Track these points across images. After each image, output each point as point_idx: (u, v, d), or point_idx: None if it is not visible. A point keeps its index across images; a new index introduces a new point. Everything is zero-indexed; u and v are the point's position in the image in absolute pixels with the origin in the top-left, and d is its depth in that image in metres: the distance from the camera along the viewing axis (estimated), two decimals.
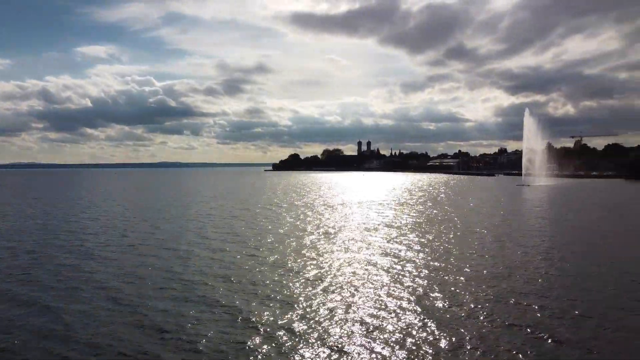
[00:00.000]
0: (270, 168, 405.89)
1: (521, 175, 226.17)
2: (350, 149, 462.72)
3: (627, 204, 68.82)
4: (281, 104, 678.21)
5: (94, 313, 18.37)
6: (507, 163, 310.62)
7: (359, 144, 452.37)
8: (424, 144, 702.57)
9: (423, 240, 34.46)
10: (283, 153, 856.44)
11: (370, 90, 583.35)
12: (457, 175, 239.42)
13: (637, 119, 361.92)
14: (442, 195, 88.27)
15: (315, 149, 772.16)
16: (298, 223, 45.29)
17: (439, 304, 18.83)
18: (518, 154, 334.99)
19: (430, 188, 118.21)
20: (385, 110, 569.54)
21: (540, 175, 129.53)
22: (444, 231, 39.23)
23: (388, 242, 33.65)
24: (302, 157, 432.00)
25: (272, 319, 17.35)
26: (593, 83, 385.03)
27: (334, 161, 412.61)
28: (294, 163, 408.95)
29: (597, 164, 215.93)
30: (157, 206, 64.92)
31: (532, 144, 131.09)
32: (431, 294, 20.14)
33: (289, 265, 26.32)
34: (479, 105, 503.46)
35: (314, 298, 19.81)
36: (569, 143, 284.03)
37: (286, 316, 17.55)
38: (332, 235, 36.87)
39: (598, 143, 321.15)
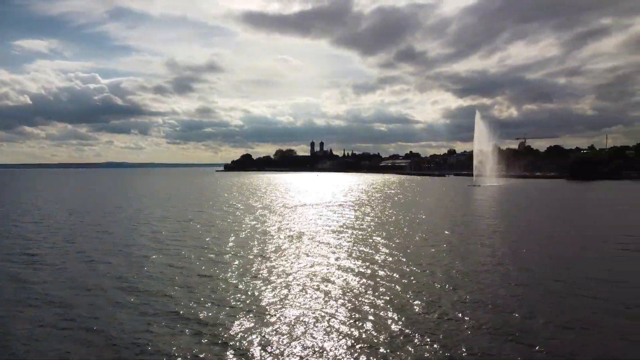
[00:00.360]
0: (222, 168, 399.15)
1: (471, 175, 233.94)
2: (302, 150, 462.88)
3: (570, 203, 72.99)
4: (233, 104, 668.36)
5: (39, 329, 16.45)
6: (457, 164, 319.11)
7: (312, 144, 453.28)
8: (376, 144, 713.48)
9: (385, 241, 34.28)
10: (235, 153, 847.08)
11: (323, 91, 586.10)
12: (410, 176, 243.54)
13: (574, 123, 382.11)
14: (400, 196, 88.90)
15: (267, 149, 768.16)
16: (258, 226, 43.83)
17: (403, 303, 19.08)
18: (466, 155, 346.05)
19: (387, 189, 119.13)
20: (338, 111, 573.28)
21: (490, 176, 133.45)
22: (405, 232, 39.13)
23: (350, 244, 33.29)
24: (254, 157, 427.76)
25: (237, 328, 16.16)
26: (535, 87, 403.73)
27: (287, 161, 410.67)
28: (246, 163, 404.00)
29: (541, 164, 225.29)
30: (106, 208, 61.50)
31: (483, 146, 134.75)
32: (394, 294, 20.31)
33: (253, 270, 24.98)
34: (428, 107, 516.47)
35: (280, 305, 19.07)
36: (514, 145, 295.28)
37: (252, 324, 16.77)
38: (295, 238, 35.70)
39: (540, 145, 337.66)
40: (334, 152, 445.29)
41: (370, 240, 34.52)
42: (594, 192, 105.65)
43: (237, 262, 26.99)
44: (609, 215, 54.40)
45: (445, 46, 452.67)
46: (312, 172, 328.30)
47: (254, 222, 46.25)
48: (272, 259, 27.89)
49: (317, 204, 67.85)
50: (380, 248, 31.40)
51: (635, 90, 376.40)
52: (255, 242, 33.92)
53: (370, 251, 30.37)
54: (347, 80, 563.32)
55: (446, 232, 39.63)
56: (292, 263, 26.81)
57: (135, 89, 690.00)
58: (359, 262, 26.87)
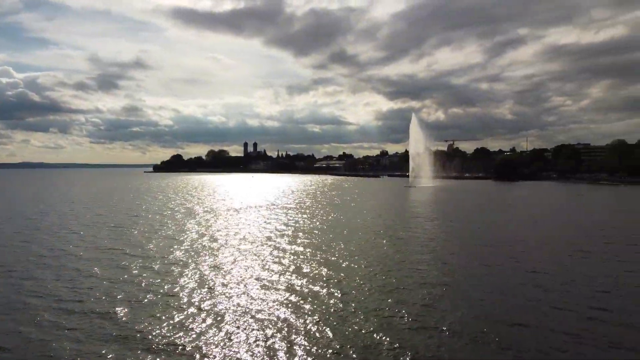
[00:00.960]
0: (151, 169, 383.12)
1: (405, 176, 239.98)
2: (235, 150, 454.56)
3: (498, 202, 76.67)
4: (161, 102, 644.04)
5: None
6: (390, 165, 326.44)
7: (245, 145, 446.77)
8: (309, 145, 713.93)
9: (331, 243, 34.07)
10: (164, 154, 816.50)
11: (256, 91, 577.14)
12: (345, 177, 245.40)
13: (495, 126, 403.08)
14: (341, 198, 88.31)
15: (198, 150, 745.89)
16: (204, 231, 41.04)
17: (338, 304, 19.56)
18: (399, 156, 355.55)
19: (326, 189, 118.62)
20: (271, 111, 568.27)
21: (426, 177, 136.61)
22: (346, 234, 38.98)
23: (297, 248, 32.43)
24: (185, 158, 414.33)
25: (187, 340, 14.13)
26: (460, 92, 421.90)
27: (219, 162, 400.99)
28: (176, 164, 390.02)
29: (469, 166, 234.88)
30: (26, 213, 55.66)
31: (418, 148, 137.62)
32: (329, 295, 20.81)
33: (202, 281, 22.70)
34: (360, 109, 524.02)
35: (229, 314, 18.06)
36: (443, 147, 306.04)
37: (204, 336, 15.57)
38: (247, 244, 33.54)
39: (466, 147, 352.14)
40: (268, 153, 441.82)
41: (319, 244, 34.00)
42: (517, 191, 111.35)
43: (185, 273, 24.50)
44: (534, 211, 57.60)
45: (376, 50, 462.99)
46: (246, 173, 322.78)
47: (199, 227, 43.36)
48: (221, 268, 25.83)
49: (260, 206, 65.52)
50: (329, 252, 30.67)
51: (549, 97, 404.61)
52: (204, 250, 31.41)
53: (319, 255, 29.72)
54: (280, 81, 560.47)
55: (387, 232, 39.18)
56: (242, 271, 25.17)
57: (53, 85, 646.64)
58: (307, 269, 25.98)
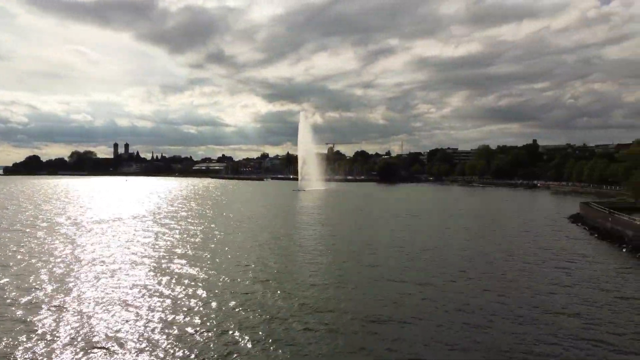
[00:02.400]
0: (1, 172, 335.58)
1: (288, 179, 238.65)
2: (103, 152, 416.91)
3: (389, 204, 75.73)
4: (14, 97, 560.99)
5: None
6: (272, 167, 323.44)
7: (115, 146, 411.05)
8: (186, 147, 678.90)
9: (225, 256, 31.88)
10: (17, 155, 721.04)
11: (126, 88, 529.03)
12: (228, 180, 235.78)
13: (369, 130, 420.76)
14: (232, 204, 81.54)
15: (60, 151, 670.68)
16: (68, 250, 32.41)
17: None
18: (280, 159, 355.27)
19: (214, 194, 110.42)
20: (143, 111, 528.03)
21: (314, 180, 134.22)
22: (243, 241, 37.20)
23: (181, 265, 29.42)
24: (43, 159, 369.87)
25: None
26: (336, 97, 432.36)
27: (86, 165, 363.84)
28: (33, 166, 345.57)
29: (350, 168, 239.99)
30: None
31: (307, 149, 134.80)
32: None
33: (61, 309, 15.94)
34: (238, 111, 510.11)
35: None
36: (323, 150, 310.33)
37: None
38: (115, 264, 26.44)
39: (344, 150, 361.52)
40: (141, 155, 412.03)
41: (205, 255, 32.34)
42: (400, 192, 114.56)
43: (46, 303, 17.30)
44: (435, 218, 56.70)
45: (254, 51, 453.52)
46: (117, 177, 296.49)
47: (63, 245, 34.43)
48: (95, 292, 20.92)
49: (140, 217, 56.64)
50: (216, 263, 28.14)
51: (416, 104, 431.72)
52: (75, 274, 23.98)
53: (202, 268, 27.75)
54: (153, 79, 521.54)
55: (284, 243, 34.85)
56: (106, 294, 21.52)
57: None
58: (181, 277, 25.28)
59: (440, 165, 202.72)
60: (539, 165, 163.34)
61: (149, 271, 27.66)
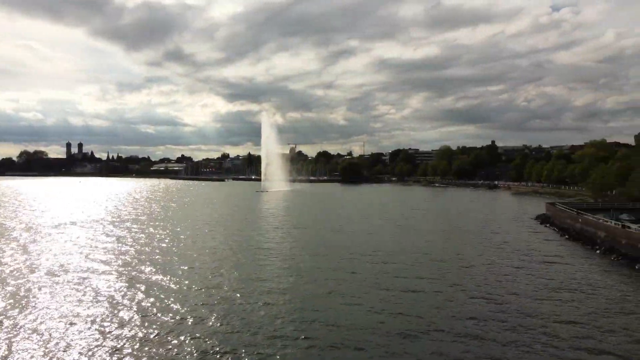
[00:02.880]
0: None
1: (250, 179, 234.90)
2: (56, 151, 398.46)
3: (352, 204, 73.64)
4: None
5: None
6: (233, 168, 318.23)
7: (68, 145, 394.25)
8: (143, 147, 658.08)
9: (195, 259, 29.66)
10: None
11: (79, 86, 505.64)
12: (188, 181, 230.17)
13: (330, 131, 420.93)
14: (194, 206, 78.65)
15: (8, 150, 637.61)
16: (22, 258, 29.56)
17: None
18: (241, 159, 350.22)
19: (174, 196, 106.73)
20: (98, 109, 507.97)
21: (278, 181, 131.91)
22: (206, 247, 35.50)
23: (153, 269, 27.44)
24: None
25: None
26: (297, 97, 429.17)
27: (36, 165, 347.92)
28: None
29: (313, 169, 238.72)
30: None
31: (271, 149, 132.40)
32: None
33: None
34: (198, 110, 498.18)
35: None
36: (285, 150, 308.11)
37: None
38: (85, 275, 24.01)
39: (306, 150, 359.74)
40: (96, 155, 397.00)
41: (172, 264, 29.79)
42: (364, 193, 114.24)
43: None
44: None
45: (214, 50, 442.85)
46: (70, 178, 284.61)
47: (15, 253, 31.44)
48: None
49: (98, 221, 53.37)
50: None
51: (376, 105, 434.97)
52: (29, 286, 21.55)
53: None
54: (109, 77, 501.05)
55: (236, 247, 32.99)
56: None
57: None
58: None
59: (403, 166, 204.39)
60: (499, 166, 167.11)
61: (111, 280, 25.85)
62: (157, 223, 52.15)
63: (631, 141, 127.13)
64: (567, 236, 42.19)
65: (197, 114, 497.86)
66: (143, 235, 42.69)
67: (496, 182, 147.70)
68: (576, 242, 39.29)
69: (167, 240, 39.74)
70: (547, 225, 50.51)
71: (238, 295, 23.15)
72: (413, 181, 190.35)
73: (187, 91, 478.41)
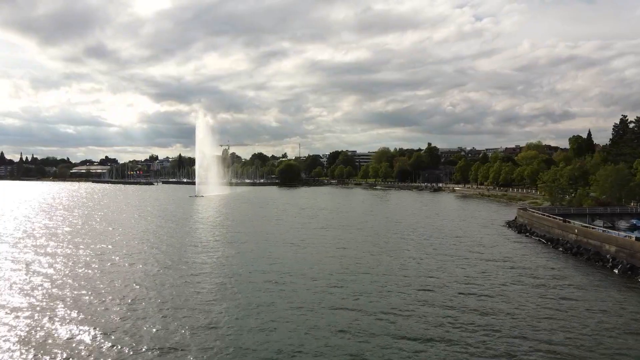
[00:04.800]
0: None
1: (181, 183, 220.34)
2: None
3: (295, 209, 66.10)
4: None
5: None
6: (162, 170, 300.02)
7: None
8: (62, 148, 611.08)
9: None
10: None
11: None
12: (113, 185, 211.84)
13: (261, 132, 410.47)
14: (119, 214, 67.44)
15: None
16: None
17: None
18: (171, 162, 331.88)
19: (97, 204, 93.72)
20: (10, 107, 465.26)
21: (213, 184, 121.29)
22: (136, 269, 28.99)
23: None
24: None
25: None
26: (228, 98, 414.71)
27: None
28: None
29: (248, 171, 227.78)
30: None
31: (206, 150, 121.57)
32: None
33: None
34: (123, 110, 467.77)
35: None
36: (217, 151, 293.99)
37: None
38: None
39: (239, 152, 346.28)
40: (7, 156, 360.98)
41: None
42: (305, 197, 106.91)
43: None
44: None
45: (139, 47, 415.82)
46: None
47: None
48: None
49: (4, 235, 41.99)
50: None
51: (308, 107, 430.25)
52: None
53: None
54: (21, 72, 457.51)
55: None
56: None
57: None
58: None
59: (343, 168, 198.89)
60: (440, 168, 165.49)
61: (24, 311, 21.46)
62: (72, 239, 41.61)
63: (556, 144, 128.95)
64: (561, 249, 36.75)
65: (122, 114, 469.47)
66: (61, 254, 32.53)
67: (440, 185, 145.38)
68: (577, 257, 33.75)
69: (89, 262, 29.98)
70: (527, 234, 45.22)
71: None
72: (354, 184, 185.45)
73: (111, 90, 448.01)
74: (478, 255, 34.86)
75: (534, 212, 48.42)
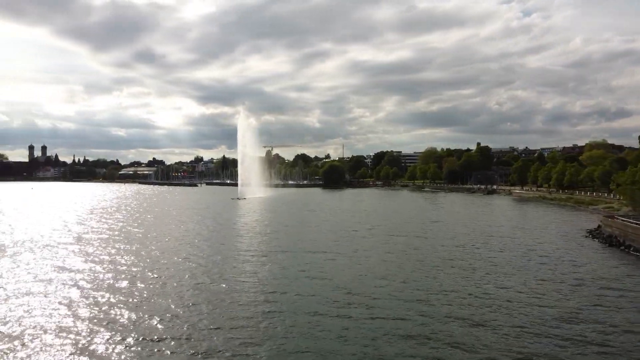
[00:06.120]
0: None
1: (225, 184, 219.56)
2: (21, 155, 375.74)
3: (346, 213, 60.41)
4: None
5: None
6: (207, 172, 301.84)
7: (31, 148, 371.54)
8: (113, 150, 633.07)
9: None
10: None
11: (45, 87, 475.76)
12: (158, 186, 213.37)
13: (304, 133, 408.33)
14: (159, 219, 64.27)
15: None
16: None
17: None
18: (215, 163, 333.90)
19: (137, 206, 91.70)
20: (66, 112, 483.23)
21: (255, 185, 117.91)
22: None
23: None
24: None
25: None
26: (271, 99, 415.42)
27: None
28: None
29: (291, 172, 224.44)
30: None
31: (248, 151, 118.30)
32: None
33: None
34: (170, 113, 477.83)
35: None
36: (261, 152, 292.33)
37: None
38: None
39: (282, 153, 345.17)
40: (62, 158, 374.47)
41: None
42: (353, 200, 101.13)
43: None
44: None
45: (186, 52, 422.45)
46: (31, 182, 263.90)
47: None
48: None
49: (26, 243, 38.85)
50: None
51: (351, 108, 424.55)
52: None
53: None
54: (76, 78, 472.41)
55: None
56: None
57: None
58: None
59: (389, 169, 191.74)
60: (493, 169, 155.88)
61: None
62: (105, 249, 37.88)
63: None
64: None
65: (169, 117, 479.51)
66: (98, 262, 28.57)
67: (494, 187, 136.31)
68: None
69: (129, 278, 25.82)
70: (622, 248, 38.06)
71: None
72: (400, 185, 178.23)
73: (159, 93, 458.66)
74: (575, 278, 28.37)
75: (626, 220, 41.01)
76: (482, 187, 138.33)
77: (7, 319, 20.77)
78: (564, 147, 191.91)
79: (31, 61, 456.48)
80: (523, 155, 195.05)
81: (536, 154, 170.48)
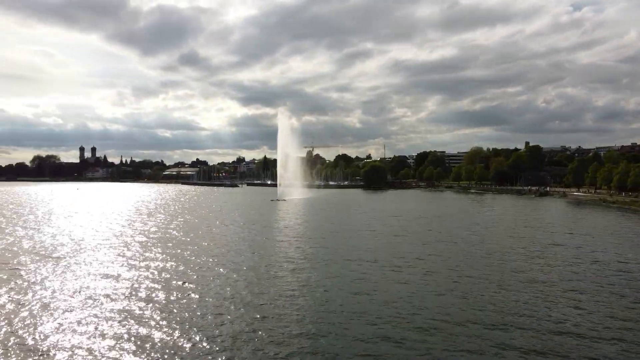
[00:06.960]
0: None
1: (265, 185, 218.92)
2: (73, 156, 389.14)
3: (394, 219, 56.52)
4: None
5: None
6: (248, 172, 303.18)
7: (81, 150, 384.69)
8: (160, 151, 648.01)
9: None
10: None
11: (96, 91, 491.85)
12: (199, 187, 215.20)
13: (345, 134, 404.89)
14: (194, 224, 62.58)
15: (27, 155, 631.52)
16: None
17: None
18: (256, 164, 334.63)
19: (172, 207, 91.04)
20: (115, 114, 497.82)
21: (295, 187, 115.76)
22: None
23: None
24: (3, 164, 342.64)
25: None
26: (312, 100, 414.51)
27: (47, 170, 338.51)
28: None
29: (332, 173, 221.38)
30: None
31: (288, 152, 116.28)
32: None
33: None
34: (213, 114, 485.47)
35: None
36: (302, 153, 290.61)
37: None
38: None
39: (323, 153, 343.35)
40: (110, 159, 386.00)
41: None
42: (399, 202, 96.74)
43: None
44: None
45: (228, 54, 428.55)
46: (79, 183, 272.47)
47: None
48: None
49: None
50: None
51: (392, 108, 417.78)
52: None
53: None
54: (125, 81, 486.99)
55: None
56: None
57: None
58: None
59: (432, 170, 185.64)
60: (546, 169, 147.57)
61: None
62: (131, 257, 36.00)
63: None
64: None
65: (212, 118, 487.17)
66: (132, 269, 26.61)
67: (547, 188, 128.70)
68: None
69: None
70: None
71: None
72: (445, 186, 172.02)
73: (202, 95, 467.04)
74: None
75: None
76: (534, 188, 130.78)
77: (45, 321, 20.89)
78: (622, 146, 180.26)
79: (84, 66, 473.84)
80: (576, 155, 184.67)
81: (591, 154, 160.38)
